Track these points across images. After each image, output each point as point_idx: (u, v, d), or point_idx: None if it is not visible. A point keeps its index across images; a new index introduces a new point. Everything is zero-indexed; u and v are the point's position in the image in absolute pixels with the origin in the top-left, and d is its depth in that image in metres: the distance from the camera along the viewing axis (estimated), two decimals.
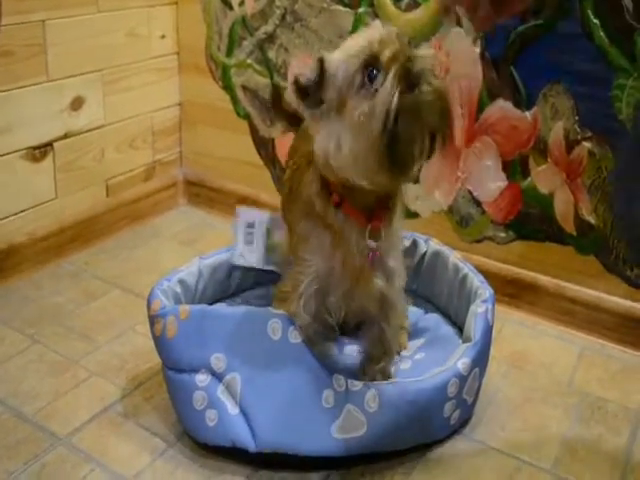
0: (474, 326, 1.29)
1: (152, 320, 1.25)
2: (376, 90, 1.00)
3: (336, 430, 1.15)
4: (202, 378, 1.18)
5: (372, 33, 1.06)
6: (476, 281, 1.42)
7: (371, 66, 1.02)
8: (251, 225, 1.47)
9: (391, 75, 0.99)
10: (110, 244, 1.90)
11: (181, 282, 1.38)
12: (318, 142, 1.06)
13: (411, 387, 1.18)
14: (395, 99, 0.98)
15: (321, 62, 1.05)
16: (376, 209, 1.14)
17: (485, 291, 1.37)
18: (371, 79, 1.01)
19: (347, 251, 1.15)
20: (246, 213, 1.48)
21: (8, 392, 1.34)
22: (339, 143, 1.03)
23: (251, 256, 1.47)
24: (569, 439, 1.29)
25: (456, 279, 1.48)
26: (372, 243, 1.14)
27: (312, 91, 1.05)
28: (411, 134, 1.01)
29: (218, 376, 1.17)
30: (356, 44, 1.05)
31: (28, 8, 1.62)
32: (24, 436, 1.24)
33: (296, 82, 1.05)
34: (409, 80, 1.00)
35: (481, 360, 1.29)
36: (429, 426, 1.22)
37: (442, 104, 1.04)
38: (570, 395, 1.41)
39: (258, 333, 1.17)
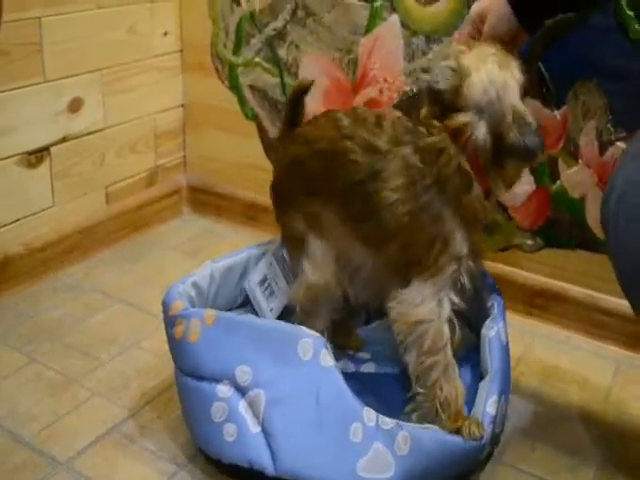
0: (489, 355, 1.27)
1: (172, 321, 1.24)
2: None
3: (361, 467, 1.13)
4: (224, 389, 1.17)
5: None
6: (485, 290, 1.40)
7: None
8: (263, 280, 1.48)
9: None
10: (110, 255, 1.90)
11: (195, 285, 1.37)
12: None
13: (447, 435, 1.17)
14: None
15: None
16: None
17: (493, 304, 1.36)
18: None
19: None
20: (253, 276, 1.49)
21: (4, 414, 1.33)
22: None
23: (279, 300, 1.47)
24: (606, 461, 1.28)
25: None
26: None
27: None
28: None
29: (242, 390, 1.16)
30: None
31: (23, 5, 1.62)
32: (22, 461, 1.23)
33: None
34: None
35: (505, 388, 1.28)
36: (460, 468, 1.21)
37: None
38: (606, 414, 1.40)
39: (287, 350, 1.16)
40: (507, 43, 1.23)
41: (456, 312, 1.49)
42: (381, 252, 1.26)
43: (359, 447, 1.14)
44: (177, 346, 1.24)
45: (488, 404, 1.21)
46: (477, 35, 1.27)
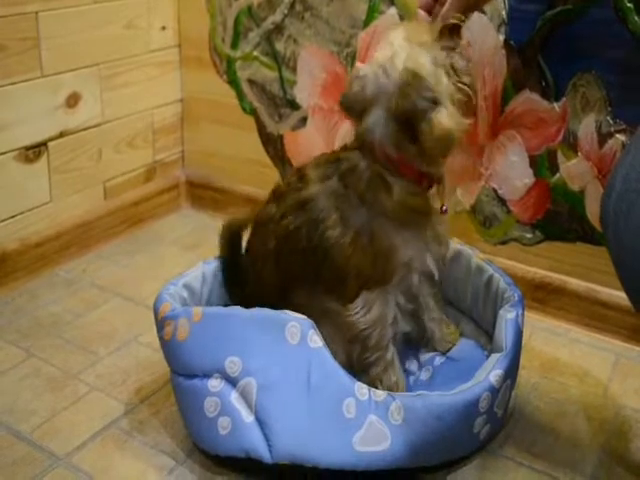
0: (505, 334, 1.27)
1: (161, 323, 1.24)
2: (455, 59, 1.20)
3: (358, 442, 1.14)
4: (215, 383, 1.17)
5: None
6: (502, 283, 1.40)
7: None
8: None
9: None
10: (109, 250, 1.90)
11: (187, 286, 1.37)
12: (446, 126, 1.16)
13: (440, 401, 1.17)
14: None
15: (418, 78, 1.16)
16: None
17: (513, 294, 1.36)
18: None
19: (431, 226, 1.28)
20: None
21: (3, 409, 1.33)
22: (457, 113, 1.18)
23: None
24: (606, 455, 1.28)
25: (480, 281, 1.46)
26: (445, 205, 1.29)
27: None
28: None
29: (232, 381, 1.16)
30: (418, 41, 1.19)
31: None
32: (21, 456, 1.23)
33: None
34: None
35: (513, 370, 1.28)
36: (457, 442, 1.21)
37: None
38: (605, 407, 1.39)
39: (275, 336, 1.16)
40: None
41: (461, 310, 1.51)
42: (344, 291, 1.27)
43: (354, 422, 1.14)
44: (168, 347, 1.24)
45: (492, 374, 1.22)
46: None
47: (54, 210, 1.79)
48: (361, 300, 1.25)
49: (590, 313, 1.60)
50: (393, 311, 1.28)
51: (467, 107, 1.22)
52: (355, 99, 1.21)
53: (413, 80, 1.14)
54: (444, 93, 1.17)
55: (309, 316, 1.22)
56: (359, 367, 1.26)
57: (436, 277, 1.32)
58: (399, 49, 1.18)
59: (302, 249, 1.26)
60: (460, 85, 1.20)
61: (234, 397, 1.16)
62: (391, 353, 1.29)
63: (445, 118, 1.15)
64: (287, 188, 1.30)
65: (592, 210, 1.54)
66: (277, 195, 1.32)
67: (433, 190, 1.27)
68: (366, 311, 1.25)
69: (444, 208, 1.28)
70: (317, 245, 1.24)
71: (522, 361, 1.35)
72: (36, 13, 1.65)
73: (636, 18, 1.39)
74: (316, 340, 1.17)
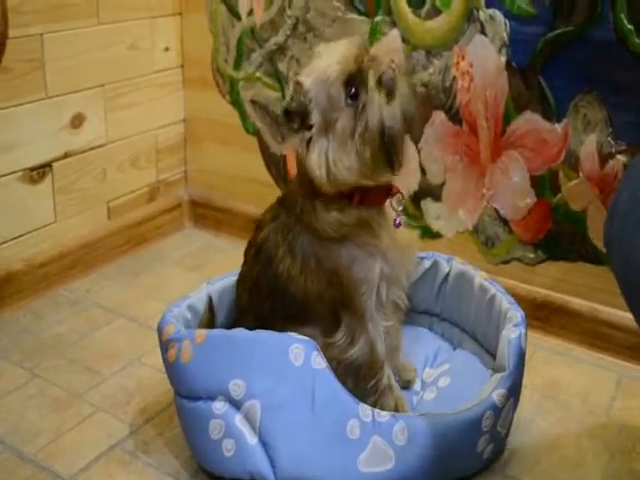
0: (508, 354, 1.27)
1: (165, 345, 1.25)
2: (362, 105, 1.15)
3: (362, 463, 1.15)
4: (219, 406, 1.17)
5: (341, 50, 1.19)
6: (505, 302, 1.41)
7: (351, 84, 1.15)
8: None
9: (374, 92, 1.15)
10: (112, 270, 1.90)
11: (190, 308, 1.38)
12: (313, 162, 1.17)
13: (443, 421, 1.18)
14: (385, 110, 1.15)
15: (299, 86, 1.17)
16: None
17: (516, 313, 1.36)
18: (353, 96, 1.15)
19: (386, 234, 1.25)
20: None
21: (7, 430, 1.33)
22: (336, 157, 1.16)
23: None
24: (609, 474, 1.28)
25: (483, 300, 1.46)
26: (399, 209, 1.28)
27: (296, 116, 1.17)
28: (399, 134, 1.17)
29: (236, 403, 1.17)
30: (330, 64, 1.17)
31: (25, 21, 1.62)
32: (25, 477, 1.23)
33: (285, 111, 1.18)
34: (387, 89, 1.16)
35: (515, 390, 1.29)
36: (461, 461, 1.22)
37: (414, 100, 1.22)
38: (608, 426, 1.39)
39: (279, 359, 1.17)
40: None
41: (464, 329, 1.51)
42: (314, 319, 1.28)
43: (358, 443, 1.15)
44: (172, 369, 1.25)
45: (495, 393, 1.22)
46: None
47: (58, 230, 1.80)
48: (341, 331, 1.25)
49: (592, 332, 1.61)
50: (381, 335, 1.28)
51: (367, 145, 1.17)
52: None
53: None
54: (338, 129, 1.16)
55: None
56: (357, 397, 1.23)
57: (405, 286, 1.32)
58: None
59: (266, 293, 1.29)
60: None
61: (238, 419, 1.17)
62: (387, 377, 1.29)
63: (314, 156, 1.17)
64: (249, 243, 1.35)
65: (594, 230, 1.55)
66: (245, 253, 1.36)
67: (386, 204, 1.27)
68: (349, 342, 1.25)
69: (397, 222, 1.27)
70: (275, 283, 1.27)
71: (525, 380, 1.35)
72: (41, 35, 1.66)
73: (636, 40, 1.41)
74: (320, 362, 1.17)
